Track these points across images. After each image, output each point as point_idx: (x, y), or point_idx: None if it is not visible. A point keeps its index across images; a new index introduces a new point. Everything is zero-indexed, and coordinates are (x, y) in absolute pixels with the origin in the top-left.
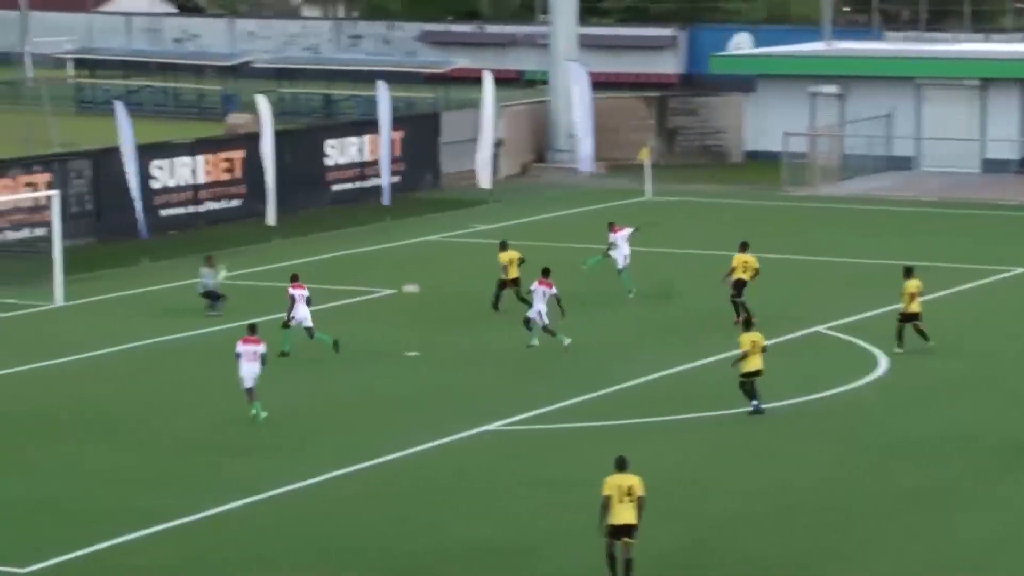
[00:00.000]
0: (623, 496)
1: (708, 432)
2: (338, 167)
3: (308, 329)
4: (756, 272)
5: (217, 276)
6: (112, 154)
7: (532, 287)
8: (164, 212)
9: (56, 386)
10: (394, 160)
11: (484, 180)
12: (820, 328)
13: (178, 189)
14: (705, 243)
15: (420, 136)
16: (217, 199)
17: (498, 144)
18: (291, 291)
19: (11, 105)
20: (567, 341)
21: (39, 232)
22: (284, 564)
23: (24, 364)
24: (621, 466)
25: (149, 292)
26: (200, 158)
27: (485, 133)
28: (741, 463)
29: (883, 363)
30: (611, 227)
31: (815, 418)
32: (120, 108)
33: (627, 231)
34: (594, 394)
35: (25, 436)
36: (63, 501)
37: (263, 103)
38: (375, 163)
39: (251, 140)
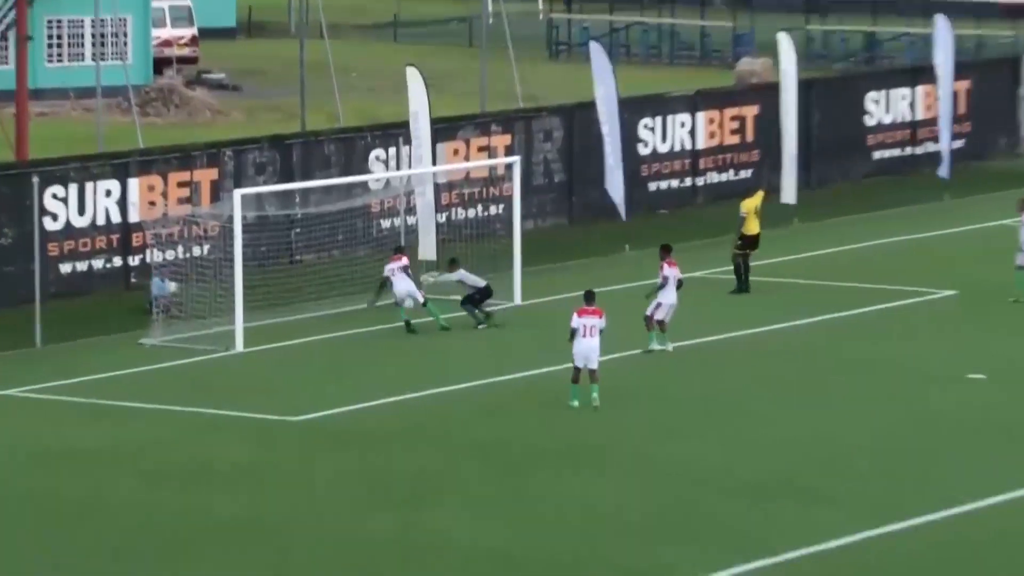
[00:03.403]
0: None
1: None
2: (882, 128)
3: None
4: None
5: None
6: (589, 111)
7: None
8: (653, 185)
9: (517, 407)
10: (957, 119)
11: None
12: None
13: (670, 156)
14: None
15: (993, 87)
16: (721, 169)
17: None
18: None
19: (466, 48)
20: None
21: (495, 211)
22: None
23: (473, 379)
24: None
25: (631, 289)
26: (701, 116)
27: None
28: None
29: None
30: None
31: None
32: (598, 51)
33: None
34: None
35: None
36: (518, 549)
37: (785, 44)
38: (932, 122)
39: (767, 92)
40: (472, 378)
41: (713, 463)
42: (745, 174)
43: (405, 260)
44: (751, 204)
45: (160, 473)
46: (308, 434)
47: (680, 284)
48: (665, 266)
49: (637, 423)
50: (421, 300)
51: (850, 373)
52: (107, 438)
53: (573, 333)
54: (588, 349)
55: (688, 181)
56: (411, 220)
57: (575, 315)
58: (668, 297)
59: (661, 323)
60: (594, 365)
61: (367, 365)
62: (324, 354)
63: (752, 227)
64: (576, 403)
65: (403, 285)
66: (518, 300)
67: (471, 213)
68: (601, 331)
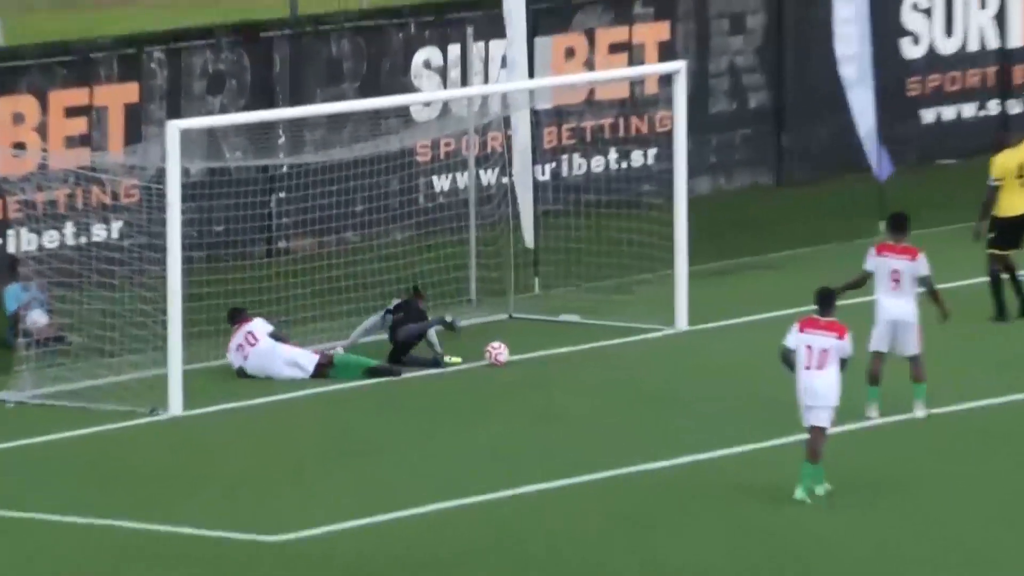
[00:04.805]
0: None
1: None
2: None
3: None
4: None
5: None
6: None
7: None
8: (930, 114)
9: (680, 515)
10: None
11: None
12: None
13: (961, 61)
14: None
15: None
16: None
17: None
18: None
19: None
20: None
21: (640, 159)
22: None
23: (589, 470)
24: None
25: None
26: None
27: None
28: None
29: None
30: None
31: None
32: None
33: None
34: None
35: None
36: None
37: None
38: None
39: None
40: (588, 468)
41: None
42: None
43: (253, 324)
44: (1009, 163)
45: None
46: (295, 566)
47: (929, 287)
48: (872, 252)
49: (911, 541)
50: (310, 367)
51: None
52: None
53: (787, 355)
54: (816, 389)
55: (993, 107)
56: (488, 177)
57: (795, 328)
58: (882, 309)
59: (915, 361)
60: (823, 422)
61: (396, 440)
62: (321, 421)
63: (1014, 204)
64: (807, 493)
65: (272, 357)
66: (682, 323)
67: (597, 164)
68: (844, 362)
